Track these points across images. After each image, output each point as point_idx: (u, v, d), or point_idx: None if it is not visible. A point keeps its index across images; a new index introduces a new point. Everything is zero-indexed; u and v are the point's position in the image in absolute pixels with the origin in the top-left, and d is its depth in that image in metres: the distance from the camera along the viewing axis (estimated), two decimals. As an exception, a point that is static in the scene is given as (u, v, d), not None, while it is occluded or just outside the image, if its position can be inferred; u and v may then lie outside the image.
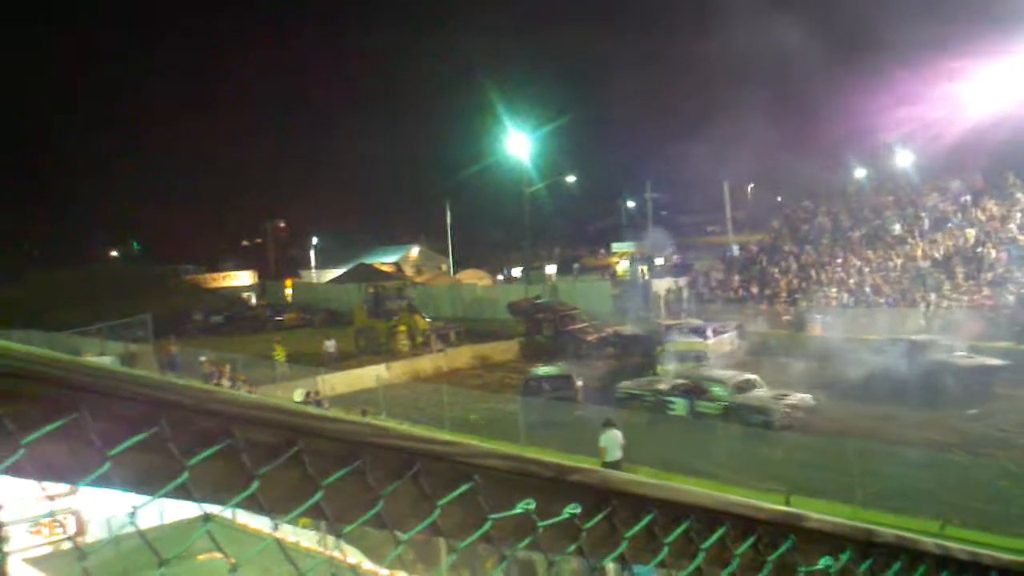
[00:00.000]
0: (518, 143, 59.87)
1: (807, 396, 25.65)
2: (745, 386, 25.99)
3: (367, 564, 9.70)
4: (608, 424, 20.84)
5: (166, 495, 1.12)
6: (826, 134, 53.69)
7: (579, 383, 28.78)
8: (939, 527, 15.10)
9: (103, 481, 1.07)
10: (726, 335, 35.23)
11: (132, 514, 1.15)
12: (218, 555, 1.25)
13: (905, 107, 50.06)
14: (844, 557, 1.72)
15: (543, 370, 30.43)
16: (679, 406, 26.19)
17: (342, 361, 39.59)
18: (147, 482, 1.11)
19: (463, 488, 1.31)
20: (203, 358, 34.97)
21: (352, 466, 1.22)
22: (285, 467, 1.17)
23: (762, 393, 25.71)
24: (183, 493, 1.12)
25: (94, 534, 11.29)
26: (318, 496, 1.20)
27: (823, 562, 1.69)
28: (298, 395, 27.35)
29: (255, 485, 1.16)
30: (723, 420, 24.23)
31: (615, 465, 19.76)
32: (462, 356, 40.19)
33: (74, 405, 1.03)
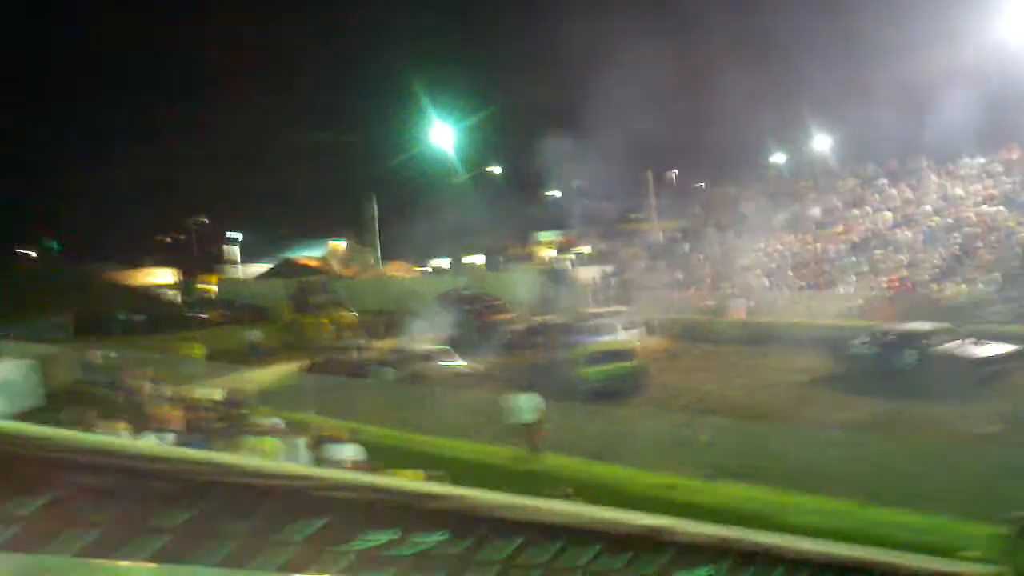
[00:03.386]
0: (443, 135, 59.71)
1: (476, 364, 32.82)
2: (429, 357, 32.87)
3: None
4: (525, 388, 21.96)
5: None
6: (746, 120, 54.36)
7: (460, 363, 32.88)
8: (857, 506, 15.42)
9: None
10: (635, 330, 35.16)
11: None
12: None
13: (822, 93, 50.98)
14: (717, 568, 1.72)
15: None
16: (385, 374, 32.48)
17: (264, 356, 39.24)
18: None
19: (318, 523, 1.28)
20: (112, 353, 34.78)
21: (196, 507, 1.18)
22: (125, 508, 1.13)
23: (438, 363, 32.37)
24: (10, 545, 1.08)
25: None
26: (160, 539, 1.16)
27: (698, 574, 1.70)
28: (217, 394, 26.90)
29: (93, 533, 1.12)
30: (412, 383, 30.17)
31: (528, 427, 20.43)
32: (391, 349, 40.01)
33: None
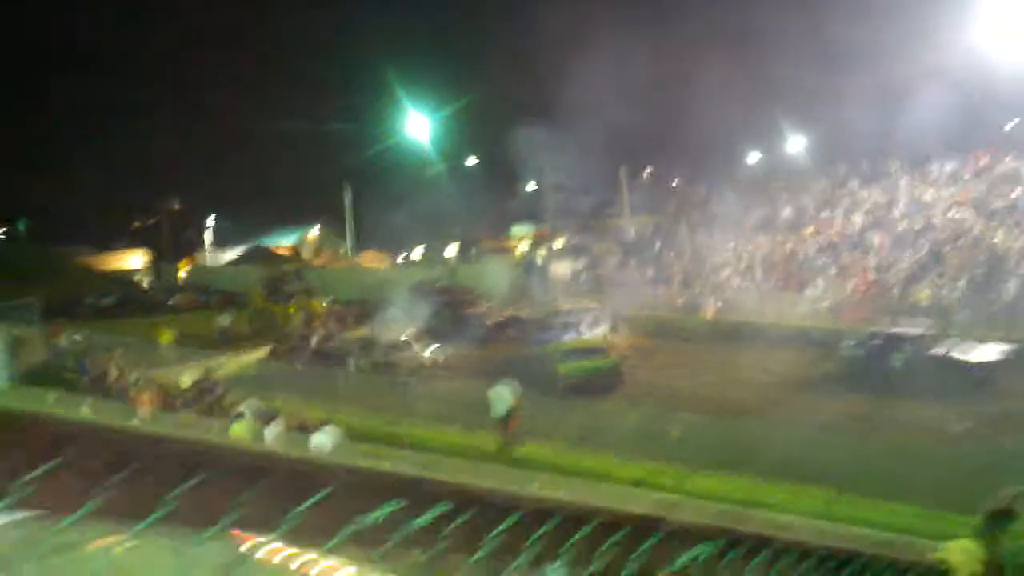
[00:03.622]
0: (419, 125, 59.55)
1: (439, 352, 33.55)
2: (398, 347, 33.40)
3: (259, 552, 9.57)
4: (499, 380, 22.25)
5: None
6: (721, 120, 54.55)
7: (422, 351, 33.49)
8: (825, 504, 15.57)
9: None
10: (599, 328, 35.20)
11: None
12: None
13: (797, 93, 51.23)
14: (710, 549, 1.75)
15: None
16: (351, 361, 33.05)
17: (234, 342, 39.14)
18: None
19: (318, 496, 1.29)
20: (78, 336, 34.57)
21: (196, 477, 1.20)
22: (128, 480, 1.14)
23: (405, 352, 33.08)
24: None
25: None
26: (166, 508, 1.18)
27: (691, 554, 1.72)
28: (186, 379, 26.78)
29: (96, 500, 1.13)
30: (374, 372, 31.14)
31: (502, 420, 20.48)
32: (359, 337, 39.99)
33: None
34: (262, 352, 36.14)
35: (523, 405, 21.36)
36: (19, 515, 1.14)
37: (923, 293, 34.25)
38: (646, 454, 19.22)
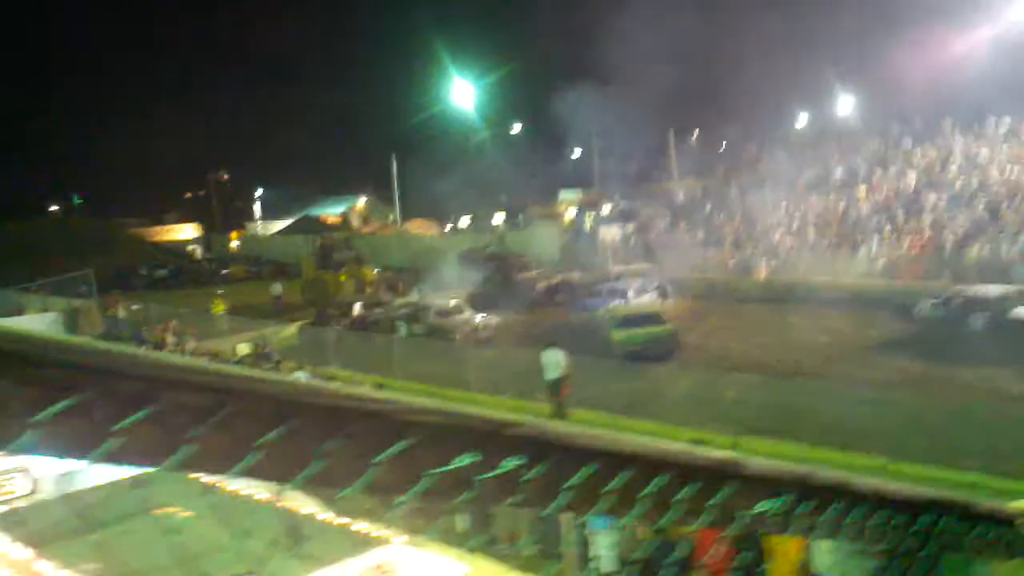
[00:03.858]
0: (464, 92, 59.46)
1: (492, 317, 33.51)
2: (449, 313, 33.48)
3: (321, 515, 9.69)
4: (550, 344, 22.08)
5: (95, 461, 1.10)
6: (770, 80, 53.84)
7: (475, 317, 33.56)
8: (884, 464, 15.42)
9: (27, 448, 1.05)
10: (646, 296, 34.38)
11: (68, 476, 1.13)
12: (172, 509, 1.24)
13: (848, 54, 50.39)
14: (782, 501, 1.74)
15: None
16: (401, 328, 33.30)
17: (286, 311, 39.61)
18: (75, 449, 1.08)
19: (399, 446, 1.30)
20: (134, 306, 35.33)
21: (285, 426, 1.20)
22: (216, 429, 1.15)
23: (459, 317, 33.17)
24: (113, 458, 1.10)
25: (47, 492, 11.16)
26: (253, 457, 1.19)
27: (763, 506, 1.71)
28: (243, 348, 27.12)
29: (187, 448, 1.14)
30: (427, 338, 31.03)
31: (555, 383, 20.48)
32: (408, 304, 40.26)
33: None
34: (313, 320, 36.51)
35: (572, 372, 21.27)
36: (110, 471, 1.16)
37: (979, 252, 33.66)
38: (699, 419, 19.12)
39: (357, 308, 36.53)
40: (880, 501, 1.92)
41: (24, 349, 1.02)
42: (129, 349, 1.15)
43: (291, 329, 33.78)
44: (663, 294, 35.19)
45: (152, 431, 1.10)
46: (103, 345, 1.11)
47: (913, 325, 28.04)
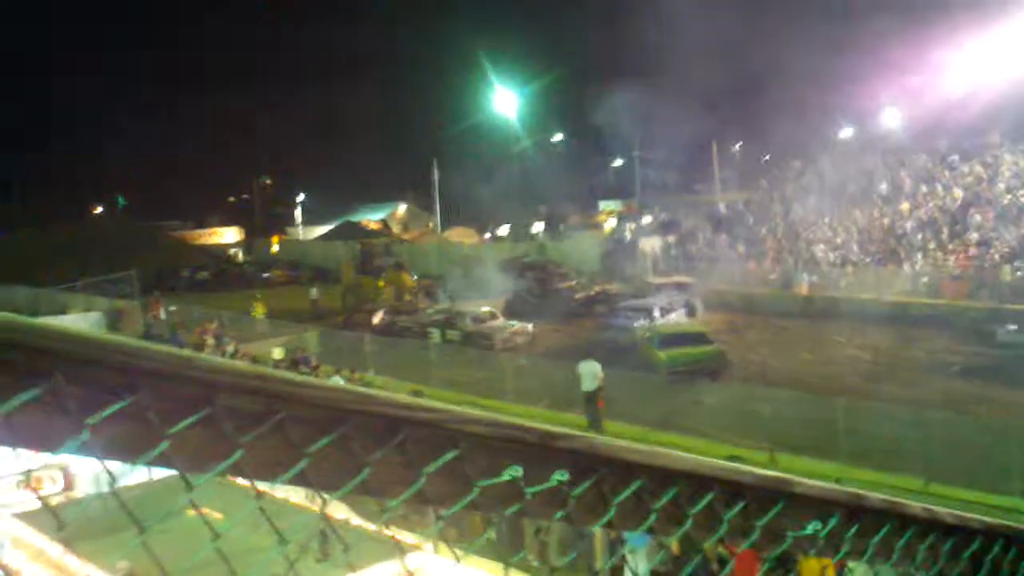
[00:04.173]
0: (506, 101, 59.61)
1: (528, 325, 33.61)
2: (484, 319, 33.79)
3: (355, 520, 9.73)
4: (587, 356, 22.28)
5: (147, 464, 1.10)
6: (815, 93, 53.48)
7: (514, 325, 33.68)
8: (922, 484, 15.22)
9: (81, 449, 1.05)
10: (673, 314, 33.35)
11: (114, 478, 1.13)
12: (207, 510, 1.23)
13: (894, 68, 49.95)
14: (832, 522, 1.71)
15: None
16: (434, 334, 33.44)
17: (325, 317, 39.89)
18: (126, 450, 1.08)
19: (449, 456, 1.29)
20: (172, 307, 35.90)
21: (336, 433, 1.20)
22: (268, 435, 1.15)
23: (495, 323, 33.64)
24: (164, 462, 1.10)
25: (83, 489, 11.29)
26: (303, 464, 1.18)
27: (811, 527, 1.69)
28: (277, 352, 27.28)
29: (238, 454, 1.14)
30: (462, 344, 31.25)
31: (591, 395, 20.46)
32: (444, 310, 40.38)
33: (49, 372, 1.00)
34: (343, 324, 36.82)
35: (606, 385, 21.12)
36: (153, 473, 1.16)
37: (1012, 272, 33.02)
38: (735, 434, 18.95)
39: (379, 315, 36.76)
40: (931, 525, 1.88)
41: (79, 349, 1.03)
42: (184, 351, 1.15)
43: (312, 334, 33.91)
44: (691, 312, 34.60)
45: (204, 435, 1.10)
46: (158, 346, 1.11)
47: (994, 349, 27.06)
